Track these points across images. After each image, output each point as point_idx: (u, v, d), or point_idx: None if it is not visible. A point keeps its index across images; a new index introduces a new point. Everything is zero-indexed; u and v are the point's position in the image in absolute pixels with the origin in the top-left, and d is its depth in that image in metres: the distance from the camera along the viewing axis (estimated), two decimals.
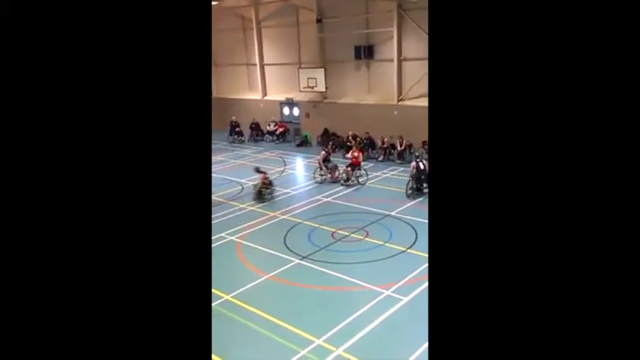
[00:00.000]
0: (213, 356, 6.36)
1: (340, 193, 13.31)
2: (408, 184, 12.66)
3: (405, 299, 7.48)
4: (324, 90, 19.72)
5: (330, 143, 18.13)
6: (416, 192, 12.54)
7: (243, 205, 12.64)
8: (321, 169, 14.48)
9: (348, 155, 14.59)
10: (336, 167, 14.56)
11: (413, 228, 10.45)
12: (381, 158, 17.02)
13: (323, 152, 14.86)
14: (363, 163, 14.81)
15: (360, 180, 14.14)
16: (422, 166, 12.53)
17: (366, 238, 10.13)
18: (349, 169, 14.19)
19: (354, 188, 13.78)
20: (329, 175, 14.36)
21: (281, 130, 21.26)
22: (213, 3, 20.68)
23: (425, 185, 12.56)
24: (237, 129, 21.68)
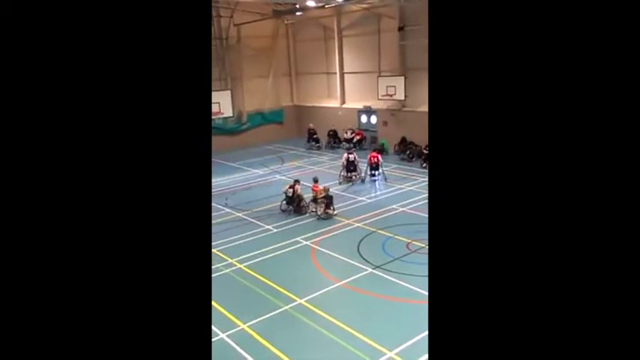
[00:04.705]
0: (285, 357, 6.52)
1: (416, 204, 13.06)
2: None
3: None
4: (402, 98, 19.50)
5: (408, 152, 17.89)
6: None
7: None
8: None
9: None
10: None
11: None
12: None
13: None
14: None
15: (378, 176, 15.62)
16: None
17: None
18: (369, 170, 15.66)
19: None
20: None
21: (358, 137, 21.32)
22: (298, 14, 21.38)
23: None
24: (314, 136, 22.10)
